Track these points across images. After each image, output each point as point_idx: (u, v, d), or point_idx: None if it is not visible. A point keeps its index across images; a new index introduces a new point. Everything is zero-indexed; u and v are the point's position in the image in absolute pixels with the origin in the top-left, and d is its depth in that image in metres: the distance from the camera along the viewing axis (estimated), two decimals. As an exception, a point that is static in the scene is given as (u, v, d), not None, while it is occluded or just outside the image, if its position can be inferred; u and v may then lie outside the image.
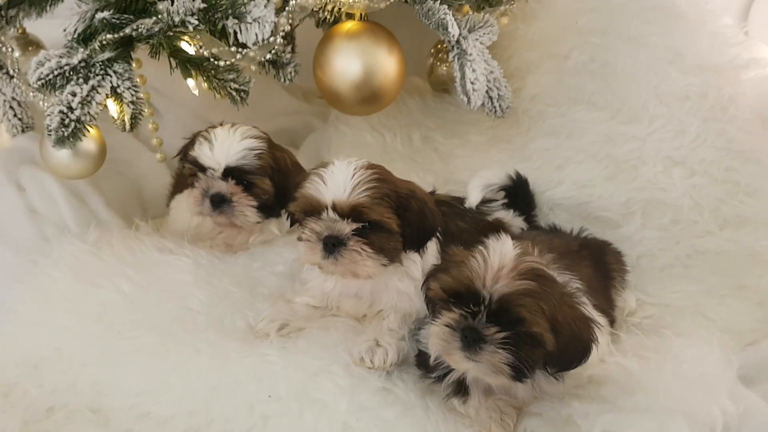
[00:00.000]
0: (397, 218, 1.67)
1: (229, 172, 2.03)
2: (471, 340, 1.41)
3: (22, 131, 2.42)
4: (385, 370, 1.67)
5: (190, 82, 2.23)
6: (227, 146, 2.03)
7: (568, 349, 1.43)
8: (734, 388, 1.51)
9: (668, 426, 1.39)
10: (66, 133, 1.88)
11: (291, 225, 1.92)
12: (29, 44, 2.56)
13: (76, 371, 1.72)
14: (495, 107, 2.33)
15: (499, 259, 1.42)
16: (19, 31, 2.49)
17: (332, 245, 1.65)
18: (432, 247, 1.82)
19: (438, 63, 2.72)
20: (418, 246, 1.75)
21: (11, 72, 2.35)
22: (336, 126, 2.56)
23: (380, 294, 1.81)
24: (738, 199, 2.05)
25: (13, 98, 2.38)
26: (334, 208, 1.65)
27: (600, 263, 1.93)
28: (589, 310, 1.62)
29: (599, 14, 2.35)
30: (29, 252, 2.05)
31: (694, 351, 1.61)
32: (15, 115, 2.40)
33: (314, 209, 1.68)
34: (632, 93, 2.22)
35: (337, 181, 1.66)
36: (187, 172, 2.10)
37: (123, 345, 1.73)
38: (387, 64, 2.17)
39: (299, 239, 1.72)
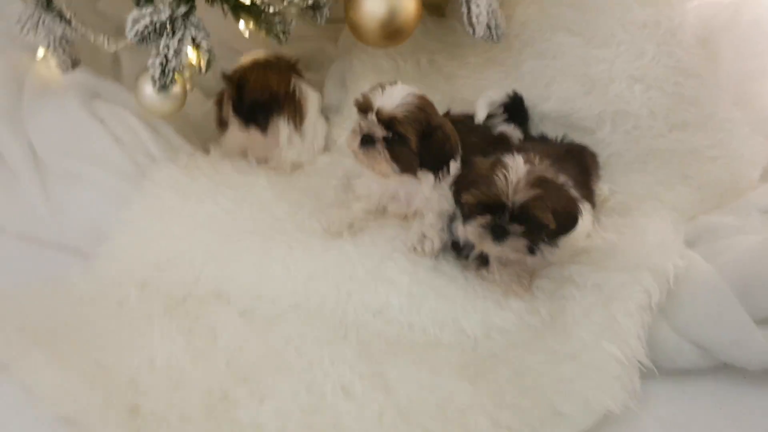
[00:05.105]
0: (417, 140, 2.14)
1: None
2: (499, 234, 2.00)
3: (73, 67, 2.72)
4: (433, 255, 2.26)
5: (241, 24, 2.64)
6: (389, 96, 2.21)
7: (564, 222, 2.02)
8: (682, 250, 2.15)
9: (639, 277, 2.02)
10: (167, 81, 2.30)
11: None
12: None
13: (197, 269, 2.21)
14: (492, 35, 2.79)
15: (515, 175, 1.96)
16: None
17: (365, 141, 2.16)
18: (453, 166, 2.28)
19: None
20: (433, 168, 2.19)
21: (67, 15, 2.66)
22: (356, 54, 2.96)
23: (413, 197, 2.32)
24: (682, 107, 2.57)
25: (62, 37, 2.67)
26: (377, 113, 2.14)
27: (581, 163, 2.47)
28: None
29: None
30: (130, 177, 2.42)
31: (654, 225, 2.26)
32: (64, 52, 2.72)
33: (365, 108, 2.16)
34: (602, 22, 2.66)
35: (390, 95, 2.15)
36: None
37: (233, 247, 2.25)
38: (408, 5, 2.58)
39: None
